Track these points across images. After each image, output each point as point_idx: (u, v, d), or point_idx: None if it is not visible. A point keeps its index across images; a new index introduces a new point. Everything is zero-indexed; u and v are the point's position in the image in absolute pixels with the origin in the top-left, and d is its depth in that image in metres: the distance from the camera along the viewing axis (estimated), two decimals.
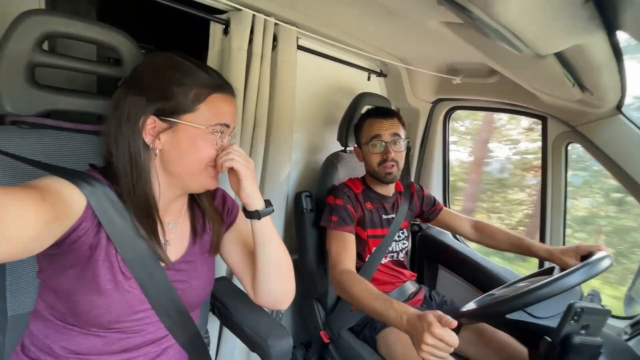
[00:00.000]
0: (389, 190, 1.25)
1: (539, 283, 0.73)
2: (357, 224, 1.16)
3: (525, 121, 2.24)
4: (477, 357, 1.05)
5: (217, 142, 0.61)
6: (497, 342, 1.01)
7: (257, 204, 0.66)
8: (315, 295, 1.26)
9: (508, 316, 0.76)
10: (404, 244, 1.27)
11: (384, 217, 1.22)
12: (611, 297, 1.56)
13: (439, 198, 1.69)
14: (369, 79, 1.60)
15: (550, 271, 0.95)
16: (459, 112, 1.71)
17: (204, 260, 0.71)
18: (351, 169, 1.34)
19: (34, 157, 0.60)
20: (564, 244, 1.30)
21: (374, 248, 1.18)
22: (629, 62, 0.79)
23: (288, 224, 1.34)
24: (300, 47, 1.23)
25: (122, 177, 0.58)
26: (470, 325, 1.07)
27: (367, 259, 1.17)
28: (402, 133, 1.17)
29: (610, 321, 1.04)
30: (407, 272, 1.27)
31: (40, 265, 0.59)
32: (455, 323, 0.68)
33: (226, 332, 1.18)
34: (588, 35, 0.63)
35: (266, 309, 0.87)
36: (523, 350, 0.93)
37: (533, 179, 2.27)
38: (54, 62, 0.66)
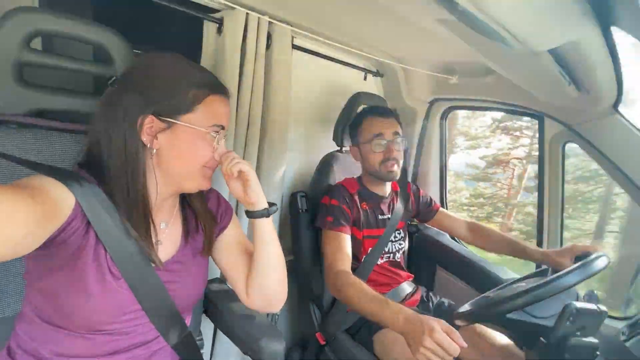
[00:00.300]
0: (385, 190, 1.24)
1: (535, 284, 0.73)
2: (352, 224, 1.15)
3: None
4: (473, 359, 1.04)
5: (214, 143, 0.63)
6: (493, 344, 1.00)
7: (263, 202, 0.69)
8: (310, 296, 1.25)
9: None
10: (400, 244, 1.26)
11: (380, 217, 1.21)
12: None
13: (436, 199, 1.68)
14: (365, 78, 1.60)
15: (544, 272, 0.95)
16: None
17: (196, 261, 0.70)
18: (347, 169, 1.33)
19: (22, 157, 0.59)
20: (561, 244, 1.29)
21: (370, 248, 1.17)
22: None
23: (283, 224, 1.33)
24: (295, 47, 1.22)
25: (114, 176, 0.57)
26: (467, 326, 1.06)
27: (362, 260, 1.16)
28: (401, 132, 1.17)
29: (608, 322, 1.03)
30: (404, 273, 1.26)
31: (28, 266, 0.58)
32: (457, 335, 0.68)
33: (221, 334, 1.17)
34: (581, 32, 0.62)
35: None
36: (520, 352, 0.93)
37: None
38: (42, 61, 0.65)
